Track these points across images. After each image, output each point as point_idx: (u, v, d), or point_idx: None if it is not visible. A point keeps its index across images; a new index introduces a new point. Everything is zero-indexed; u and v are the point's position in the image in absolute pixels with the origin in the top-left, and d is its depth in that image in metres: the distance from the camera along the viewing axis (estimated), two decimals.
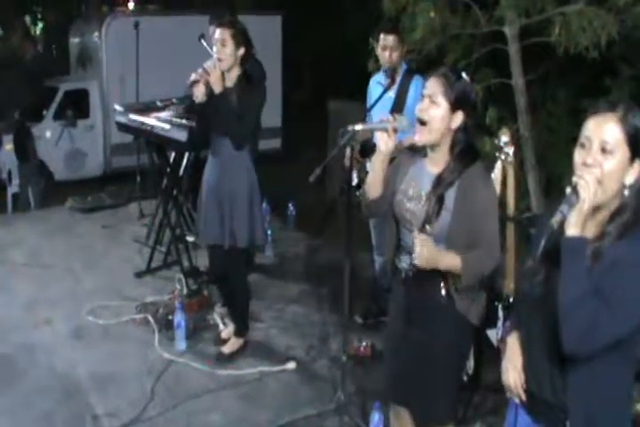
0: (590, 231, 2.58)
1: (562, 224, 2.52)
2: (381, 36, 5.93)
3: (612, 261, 2.49)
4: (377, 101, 5.73)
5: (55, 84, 12.55)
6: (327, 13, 15.56)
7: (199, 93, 5.32)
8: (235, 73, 5.38)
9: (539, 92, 7.98)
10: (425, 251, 3.44)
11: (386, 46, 5.91)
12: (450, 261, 3.46)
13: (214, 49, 5.36)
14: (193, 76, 5.28)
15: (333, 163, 4.45)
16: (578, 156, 2.57)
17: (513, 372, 2.92)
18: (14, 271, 7.69)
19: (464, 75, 3.49)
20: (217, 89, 5.23)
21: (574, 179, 2.52)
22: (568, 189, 2.52)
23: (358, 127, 3.75)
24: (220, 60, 5.29)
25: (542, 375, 2.76)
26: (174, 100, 7.03)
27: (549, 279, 2.58)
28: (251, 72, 5.51)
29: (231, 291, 6.04)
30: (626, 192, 2.56)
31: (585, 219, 2.49)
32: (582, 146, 2.57)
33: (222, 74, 5.30)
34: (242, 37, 5.31)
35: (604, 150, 2.51)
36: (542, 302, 2.67)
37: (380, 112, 5.54)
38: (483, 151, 5.45)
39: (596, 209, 2.54)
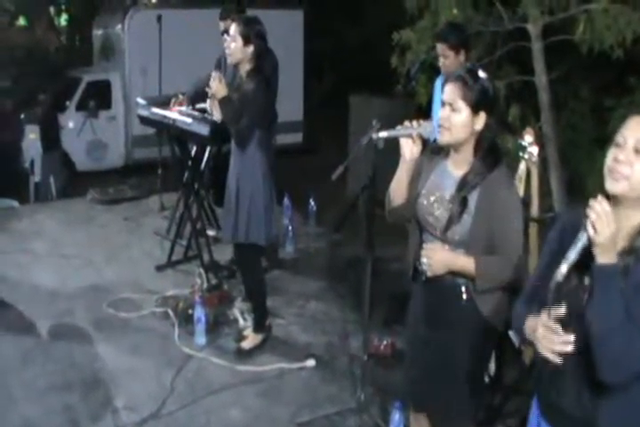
0: (619, 244, 2.47)
1: (585, 252, 2.42)
2: (436, 43, 5.87)
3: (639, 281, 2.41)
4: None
5: (78, 75, 12.63)
6: (349, 8, 15.56)
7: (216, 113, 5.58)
8: (245, 68, 5.48)
9: (561, 89, 7.92)
10: (433, 261, 3.46)
11: (439, 54, 5.83)
12: (463, 263, 3.46)
13: (225, 43, 5.49)
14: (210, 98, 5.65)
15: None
16: (610, 154, 2.48)
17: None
18: (36, 262, 7.72)
19: (481, 72, 3.43)
20: (219, 96, 5.38)
21: (587, 211, 2.39)
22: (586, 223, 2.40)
23: (383, 134, 3.71)
24: (229, 54, 5.44)
25: (569, 393, 2.64)
26: (180, 96, 6.96)
27: (578, 297, 2.50)
28: (262, 68, 5.55)
29: (246, 287, 6.08)
30: None
31: (611, 244, 2.39)
32: (617, 144, 2.46)
33: (236, 67, 5.52)
34: (252, 35, 5.39)
35: (637, 151, 2.42)
36: (570, 319, 2.55)
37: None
38: (505, 149, 5.43)
39: (624, 214, 2.46)
